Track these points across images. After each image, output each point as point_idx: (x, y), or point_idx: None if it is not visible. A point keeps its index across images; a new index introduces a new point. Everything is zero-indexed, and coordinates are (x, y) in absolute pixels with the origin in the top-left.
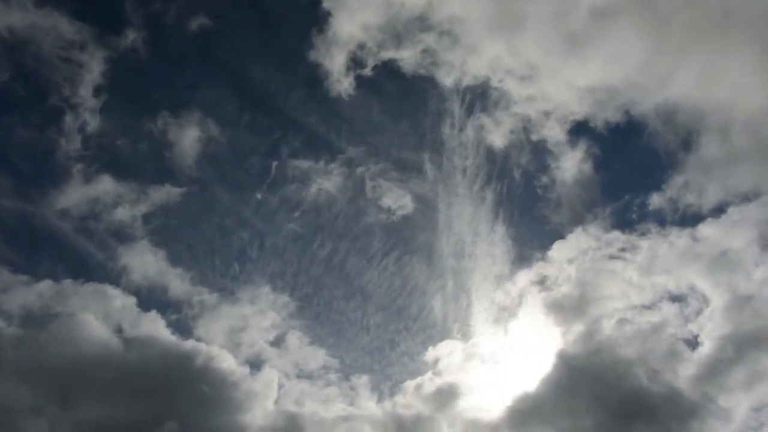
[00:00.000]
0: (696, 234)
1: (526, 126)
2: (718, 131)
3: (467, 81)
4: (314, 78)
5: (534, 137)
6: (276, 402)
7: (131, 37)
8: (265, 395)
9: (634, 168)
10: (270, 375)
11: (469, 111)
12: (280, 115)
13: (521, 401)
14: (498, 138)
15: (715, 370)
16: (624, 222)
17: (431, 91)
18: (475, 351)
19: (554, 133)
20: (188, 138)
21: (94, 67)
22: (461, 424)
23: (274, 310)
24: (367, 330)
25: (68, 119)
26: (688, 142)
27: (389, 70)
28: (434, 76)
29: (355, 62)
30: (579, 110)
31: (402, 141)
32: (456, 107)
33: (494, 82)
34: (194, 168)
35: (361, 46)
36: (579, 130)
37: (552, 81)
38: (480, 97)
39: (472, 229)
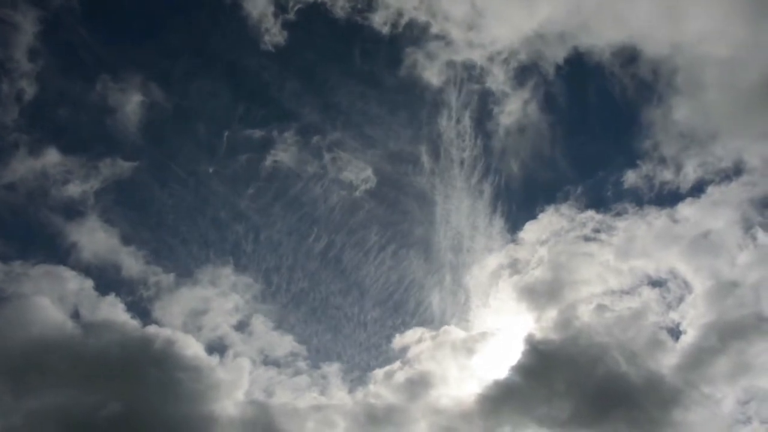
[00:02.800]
0: (675, 215)
1: (471, 72)
2: (686, 79)
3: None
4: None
5: (476, 85)
6: (246, 391)
7: None
8: (235, 384)
9: (597, 121)
10: (241, 363)
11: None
12: (223, 75)
13: (493, 389)
14: (435, 78)
15: (698, 360)
16: (598, 201)
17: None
18: (446, 339)
19: (500, 79)
20: (132, 104)
21: (27, 28)
22: (433, 413)
23: (237, 292)
24: (337, 314)
25: (4, 87)
26: (652, 92)
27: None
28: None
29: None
30: (526, 56)
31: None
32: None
33: (435, 29)
34: (141, 138)
35: None
36: (525, 75)
37: (497, 25)
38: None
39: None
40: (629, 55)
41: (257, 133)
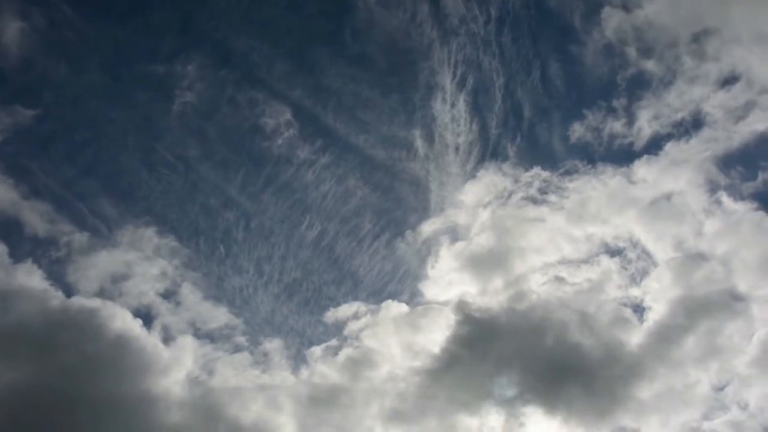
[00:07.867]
0: (631, 175)
1: None
2: None
3: None
4: None
5: None
6: (184, 368)
7: None
8: (174, 361)
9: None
10: (184, 342)
11: None
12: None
13: (433, 364)
14: None
15: (665, 339)
16: (542, 157)
17: None
18: (386, 314)
19: None
20: (12, 30)
21: None
22: (376, 392)
23: (162, 257)
24: (273, 287)
25: None
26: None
27: None
28: None
29: None
30: None
31: None
32: None
33: None
34: (20, 69)
35: None
36: None
37: None
38: None
39: None
40: None
41: (160, 69)
